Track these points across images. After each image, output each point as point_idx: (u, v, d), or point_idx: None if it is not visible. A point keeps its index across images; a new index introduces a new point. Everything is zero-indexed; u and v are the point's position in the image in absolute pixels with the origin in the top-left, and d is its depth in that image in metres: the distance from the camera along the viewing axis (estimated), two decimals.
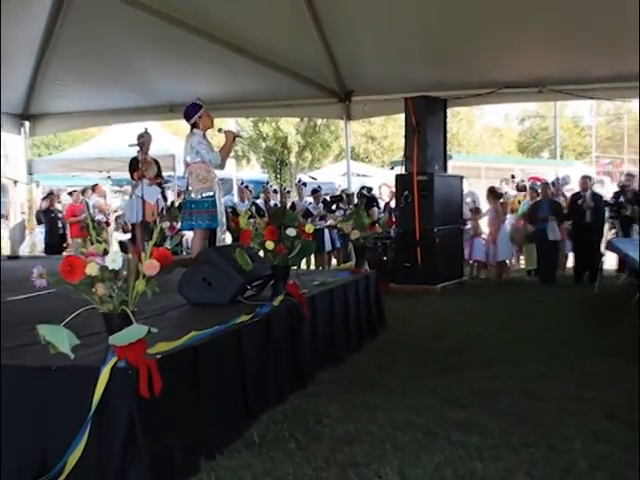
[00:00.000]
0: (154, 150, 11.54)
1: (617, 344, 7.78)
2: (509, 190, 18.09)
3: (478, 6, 10.15)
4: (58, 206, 16.64)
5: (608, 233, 14.69)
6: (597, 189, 15.48)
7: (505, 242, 14.24)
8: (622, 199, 14.21)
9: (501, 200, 14.80)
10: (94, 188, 17.25)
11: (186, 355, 4.45)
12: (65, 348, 3.78)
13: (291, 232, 6.34)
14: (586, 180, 14.02)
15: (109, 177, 16.01)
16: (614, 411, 5.41)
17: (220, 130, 8.50)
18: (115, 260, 3.86)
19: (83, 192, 16.91)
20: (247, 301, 6.20)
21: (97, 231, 4.18)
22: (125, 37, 11.73)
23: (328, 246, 15.35)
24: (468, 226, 14.55)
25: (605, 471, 4.26)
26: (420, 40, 11.19)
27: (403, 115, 12.78)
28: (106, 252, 3.95)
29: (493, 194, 14.64)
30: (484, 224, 14.71)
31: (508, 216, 15.13)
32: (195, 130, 8.09)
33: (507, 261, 14.85)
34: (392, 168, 25.75)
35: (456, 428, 5.02)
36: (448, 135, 13.80)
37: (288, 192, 18.84)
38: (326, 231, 15.06)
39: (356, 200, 9.69)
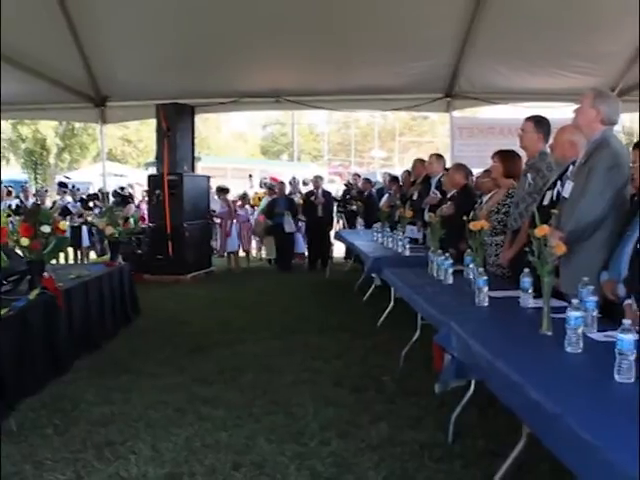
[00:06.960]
0: None
1: (344, 321, 8.20)
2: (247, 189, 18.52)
3: (223, 24, 10.16)
4: None
5: (337, 225, 15.37)
6: (328, 187, 16.11)
7: (236, 233, 14.50)
8: (349, 196, 14.92)
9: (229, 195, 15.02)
10: None
11: None
12: None
13: (46, 229, 6.11)
14: (318, 179, 14.58)
15: None
16: (341, 379, 5.70)
17: None
18: None
19: None
20: (3, 296, 5.86)
21: None
22: None
23: (86, 241, 14.89)
24: (218, 220, 14.64)
25: (333, 430, 4.49)
26: (171, 52, 11.03)
27: (155, 120, 12.65)
28: None
29: (221, 191, 14.81)
30: None
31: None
32: None
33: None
34: (147, 169, 25.38)
35: (204, 403, 5.08)
36: (197, 139, 13.80)
37: (46, 191, 18.02)
38: (84, 227, 14.58)
39: (112, 198, 9.46)
